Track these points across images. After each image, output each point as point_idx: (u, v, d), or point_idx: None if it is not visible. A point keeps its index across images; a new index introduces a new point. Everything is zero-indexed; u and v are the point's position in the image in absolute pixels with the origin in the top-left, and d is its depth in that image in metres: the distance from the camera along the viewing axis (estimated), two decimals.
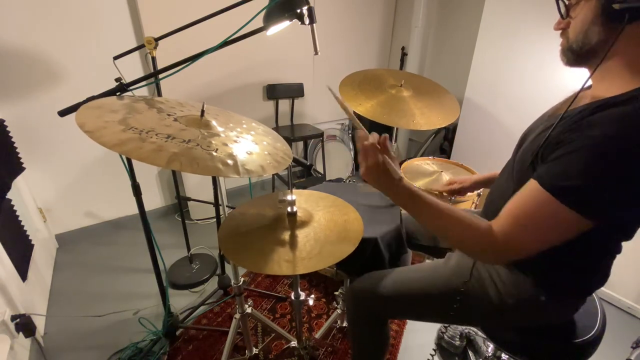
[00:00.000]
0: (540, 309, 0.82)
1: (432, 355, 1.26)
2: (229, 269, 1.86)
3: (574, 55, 0.68)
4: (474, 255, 0.71)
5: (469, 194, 1.60)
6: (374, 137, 0.74)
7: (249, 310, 1.28)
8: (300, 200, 1.07)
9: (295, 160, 1.02)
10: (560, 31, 0.70)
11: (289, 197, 0.94)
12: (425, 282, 0.93)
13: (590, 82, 0.71)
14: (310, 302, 1.17)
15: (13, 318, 1.25)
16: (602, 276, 0.77)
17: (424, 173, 1.81)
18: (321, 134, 2.65)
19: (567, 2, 0.67)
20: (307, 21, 0.93)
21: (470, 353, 1.49)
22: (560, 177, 0.59)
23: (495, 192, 0.92)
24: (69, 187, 2.09)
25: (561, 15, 0.68)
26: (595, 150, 0.56)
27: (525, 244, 0.65)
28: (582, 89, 0.68)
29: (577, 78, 0.79)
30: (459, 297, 0.86)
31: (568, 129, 0.62)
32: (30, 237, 1.70)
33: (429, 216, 0.74)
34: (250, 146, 0.89)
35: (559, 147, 0.62)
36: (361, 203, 1.22)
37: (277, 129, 2.68)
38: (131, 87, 0.94)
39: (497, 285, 0.84)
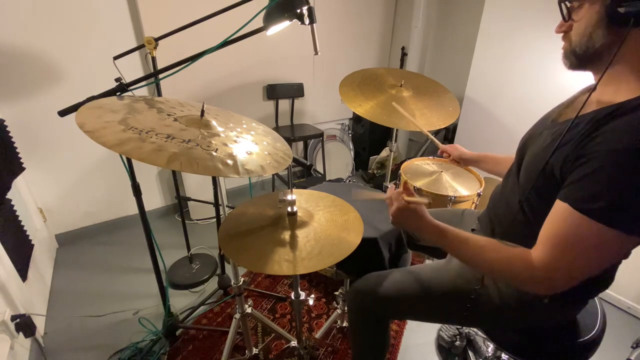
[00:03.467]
0: (543, 311, 0.82)
1: None
2: (229, 269, 1.86)
3: (577, 59, 0.67)
4: (521, 288, 0.69)
5: (468, 193, 1.60)
6: (396, 189, 0.86)
7: (249, 310, 1.28)
8: (301, 200, 1.07)
9: (295, 160, 1.02)
10: (562, 34, 0.69)
11: (289, 197, 0.94)
12: (429, 283, 0.93)
13: (582, 84, 0.71)
14: (310, 302, 1.17)
15: (13, 318, 1.25)
16: (606, 280, 0.77)
17: (424, 173, 1.80)
18: (321, 134, 2.65)
19: (569, 5, 0.66)
20: (307, 21, 0.93)
21: (470, 353, 1.49)
22: (595, 199, 0.56)
23: (499, 197, 0.91)
24: (69, 187, 2.09)
25: (563, 18, 0.67)
26: (622, 165, 0.55)
27: (573, 271, 0.62)
28: (590, 94, 0.67)
29: (577, 77, 0.78)
30: (470, 302, 0.86)
31: (585, 140, 0.60)
32: (30, 237, 1.70)
33: (464, 252, 0.75)
34: (250, 146, 0.89)
35: (581, 164, 0.60)
36: (361, 203, 1.21)
37: (277, 129, 2.68)
38: (131, 87, 0.94)
39: (500, 286, 0.84)
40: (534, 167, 0.73)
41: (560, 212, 0.62)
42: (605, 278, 0.76)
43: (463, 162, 1.32)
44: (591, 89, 0.65)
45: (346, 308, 1.50)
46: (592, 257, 0.60)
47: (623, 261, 0.69)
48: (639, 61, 0.60)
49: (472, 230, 1.02)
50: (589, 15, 0.62)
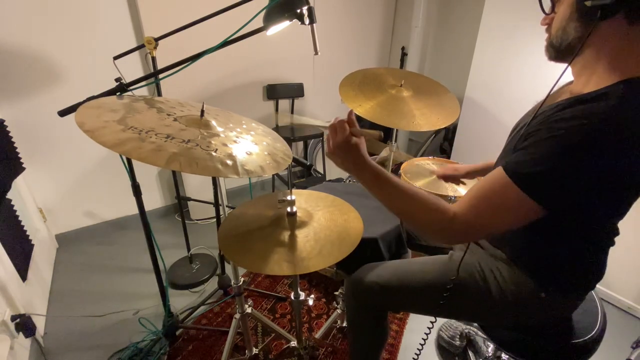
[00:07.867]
0: (541, 306, 0.82)
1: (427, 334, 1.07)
2: (229, 269, 1.86)
3: (555, 51, 0.70)
4: (433, 236, 0.73)
5: (466, 184, 1.60)
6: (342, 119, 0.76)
7: (249, 310, 1.28)
8: (300, 200, 1.07)
9: (295, 160, 1.02)
10: (546, 26, 0.72)
11: (288, 197, 0.94)
12: (422, 273, 0.94)
13: (572, 78, 0.73)
14: (310, 302, 1.17)
15: (13, 318, 1.26)
16: (598, 271, 0.79)
17: (424, 173, 1.80)
18: (321, 134, 2.65)
19: None
20: (307, 21, 0.93)
21: (470, 353, 1.49)
22: (522, 165, 0.61)
23: None
24: (69, 187, 2.09)
25: (543, 11, 0.70)
26: (557, 142, 0.58)
27: (481, 224, 0.67)
28: (559, 86, 0.70)
29: None
30: (446, 292, 0.87)
31: (541, 122, 0.64)
32: (30, 237, 1.70)
33: (394, 197, 0.74)
34: (249, 146, 0.89)
35: (529, 138, 0.64)
36: (361, 203, 1.21)
37: (277, 129, 2.68)
38: (131, 87, 0.94)
39: (499, 281, 0.85)
40: (508, 151, 0.76)
41: (493, 173, 0.66)
42: (598, 270, 0.78)
43: (469, 176, 1.21)
44: (570, 81, 0.67)
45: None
46: (504, 214, 0.65)
47: (623, 261, 0.70)
48: (610, 53, 0.62)
49: None
50: (563, 9, 0.65)
